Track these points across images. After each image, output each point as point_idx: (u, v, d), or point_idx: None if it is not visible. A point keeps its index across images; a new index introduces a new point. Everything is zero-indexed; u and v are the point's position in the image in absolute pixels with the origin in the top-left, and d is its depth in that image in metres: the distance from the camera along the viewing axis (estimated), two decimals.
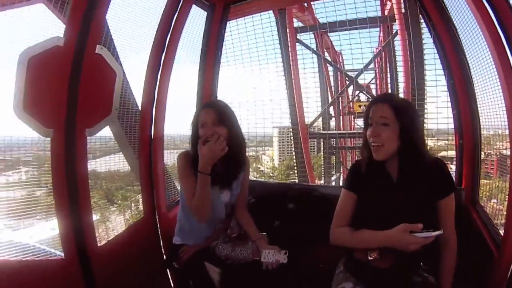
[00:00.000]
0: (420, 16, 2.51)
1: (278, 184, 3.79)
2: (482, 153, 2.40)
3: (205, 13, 2.82)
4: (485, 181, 2.47)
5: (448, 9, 2.34)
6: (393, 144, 1.55)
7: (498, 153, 2.41)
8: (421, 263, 1.58)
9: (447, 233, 1.58)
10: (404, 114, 1.55)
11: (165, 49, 2.41)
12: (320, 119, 8.61)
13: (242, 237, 2.13)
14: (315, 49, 8.49)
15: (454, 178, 2.37)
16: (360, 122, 12.27)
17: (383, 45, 7.89)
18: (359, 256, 1.64)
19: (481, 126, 2.30)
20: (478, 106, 2.28)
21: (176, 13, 2.43)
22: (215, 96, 3.01)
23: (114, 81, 1.96)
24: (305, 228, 1.92)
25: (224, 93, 3.20)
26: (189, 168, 1.97)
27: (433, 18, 2.38)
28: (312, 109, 7.58)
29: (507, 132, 1.80)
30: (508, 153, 2.47)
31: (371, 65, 10.76)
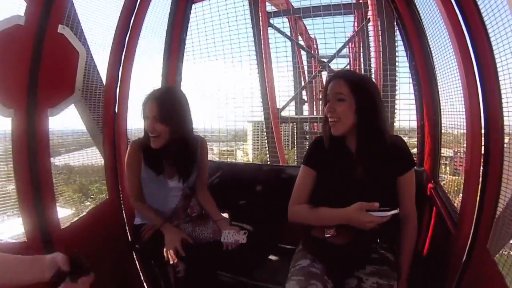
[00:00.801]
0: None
1: (245, 165, 3.79)
2: (451, 151, 2.50)
3: None
4: (454, 177, 2.56)
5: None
6: (349, 119, 1.55)
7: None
8: (378, 240, 1.61)
9: (407, 210, 1.62)
10: (360, 89, 1.56)
11: (130, 28, 2.37)
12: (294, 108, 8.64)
13: (203, 217, 2.14)
14: (289, 34, 8.47)
15: (416, 159, 2.48)
16: None
17: (356, 31, 7.90)
18: (316, 234, 1.65)
19: (442, 109, 2.37)
20: (439, 88, 2.36)
21: None
22: (179, 79, 2.99)
23: (77, 61, 1.91)
24: (270, 207, 1.94)
25: (193, 85, 3.19)
26: (136, 159, 1.99)
27: (398, 4, 2.45)
28: (284, 94, 7.62)
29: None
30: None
31: (346, 52, 10.86)
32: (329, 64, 7.99)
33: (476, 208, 1.61)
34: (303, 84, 9.55)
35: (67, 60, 1.88)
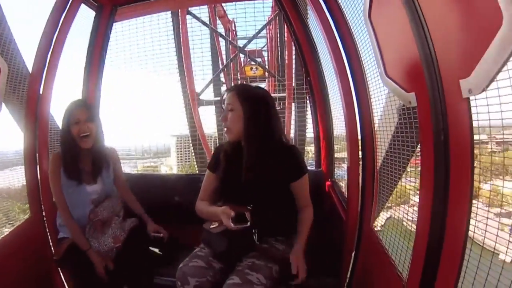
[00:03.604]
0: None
1: (159, 176, 3.92)
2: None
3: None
4: None
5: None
6: (238, 127, 1.81)
7: None
8: (255, 231, 1.75)
9: (303, 204, 1.91)
10: (247, 101, 1.81)
11: (52, 46, 2.40)
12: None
13: (105, 222, 2.17)
14: (208, 16, 8.58)
15: (314, 162, 2.90)
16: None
17: (271, 16, 8.16)
18: (205, 226, 1.86)
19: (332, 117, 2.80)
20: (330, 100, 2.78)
21: (65, 11, 2.44)
22: (99, 96, 3.05)
23: None
24: (185, 211, 2.15)
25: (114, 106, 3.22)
26: (58, 173, 2.10)
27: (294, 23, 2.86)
28: (202, 78, 7.81)
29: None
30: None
31: (265, 33, 11.25)
32: (245, 49, 8.32)
33: (360, 195, 2.01)
34: (221, 66, 9.74)
35: None
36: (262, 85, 13.25)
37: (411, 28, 1.12)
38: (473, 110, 0.96)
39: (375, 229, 1.92)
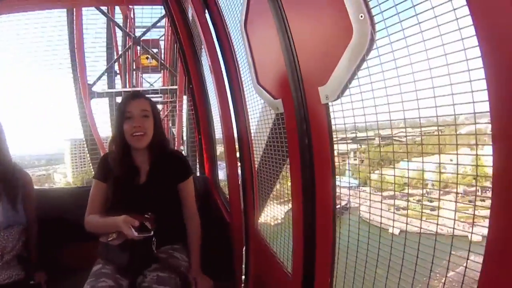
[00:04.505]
0: None
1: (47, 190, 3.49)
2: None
3: None
4: None
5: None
6: (151, 133, 1.79)
7: None
8: (154, 239, 1.70)
9: (190, 211, 1.90)
10: (156, 109, 1.87)
11: None
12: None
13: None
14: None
15: (198, 168, 2.91)
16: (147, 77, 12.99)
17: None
18: (102, 239, 1.74)
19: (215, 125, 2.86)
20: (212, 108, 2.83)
21: None
22: None
23: None
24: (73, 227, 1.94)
25: None
26: None
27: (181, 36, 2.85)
28: (96, 69, 7.60)
29: None
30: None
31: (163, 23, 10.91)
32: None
33: (242, 198, 2.08)
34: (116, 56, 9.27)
35: None
36: (157, 76, 13.01)
37: (279, 39, 1.21)
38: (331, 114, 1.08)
39: (260, 229, 2.00)
